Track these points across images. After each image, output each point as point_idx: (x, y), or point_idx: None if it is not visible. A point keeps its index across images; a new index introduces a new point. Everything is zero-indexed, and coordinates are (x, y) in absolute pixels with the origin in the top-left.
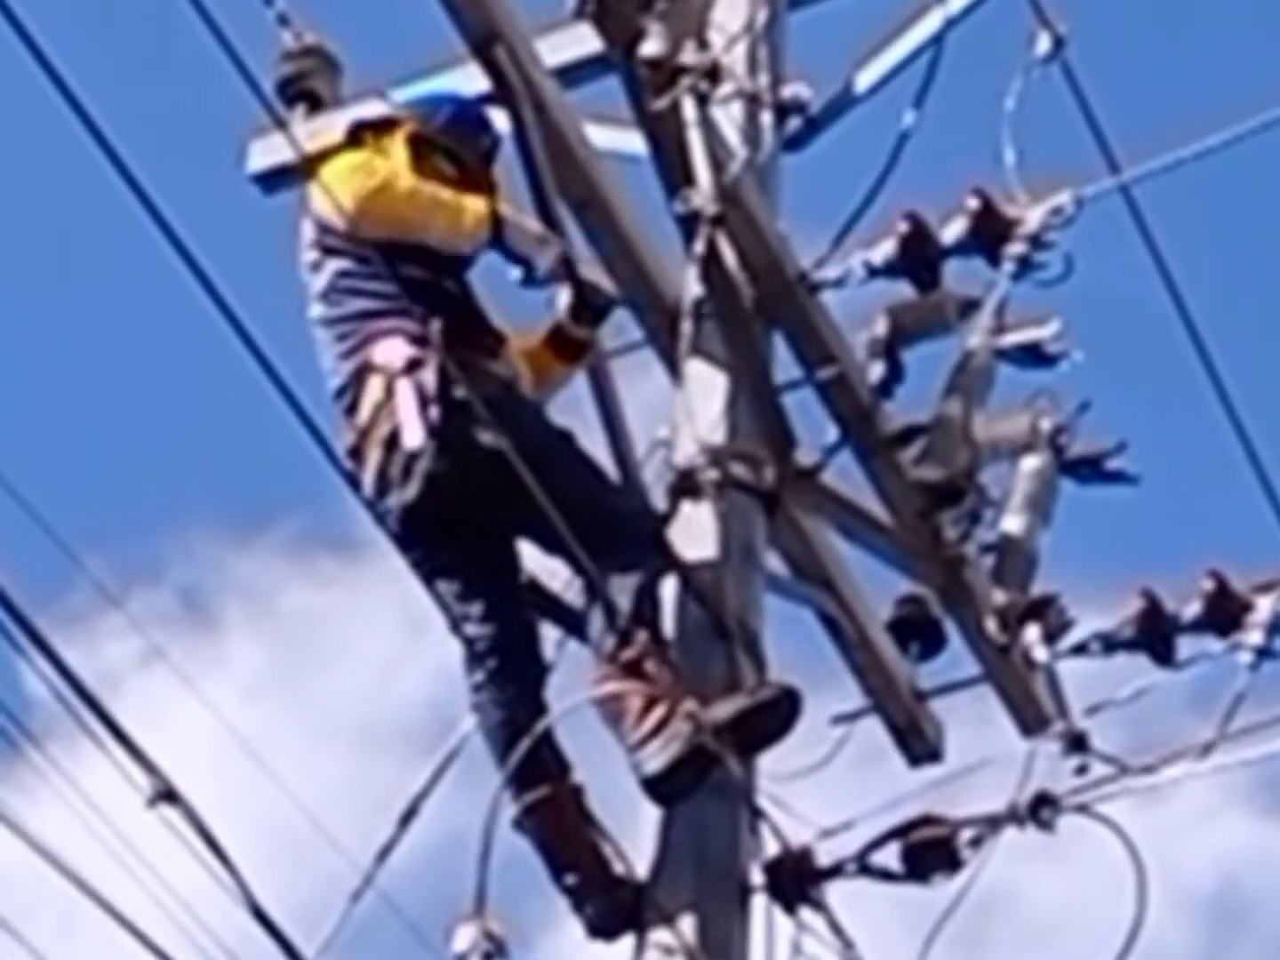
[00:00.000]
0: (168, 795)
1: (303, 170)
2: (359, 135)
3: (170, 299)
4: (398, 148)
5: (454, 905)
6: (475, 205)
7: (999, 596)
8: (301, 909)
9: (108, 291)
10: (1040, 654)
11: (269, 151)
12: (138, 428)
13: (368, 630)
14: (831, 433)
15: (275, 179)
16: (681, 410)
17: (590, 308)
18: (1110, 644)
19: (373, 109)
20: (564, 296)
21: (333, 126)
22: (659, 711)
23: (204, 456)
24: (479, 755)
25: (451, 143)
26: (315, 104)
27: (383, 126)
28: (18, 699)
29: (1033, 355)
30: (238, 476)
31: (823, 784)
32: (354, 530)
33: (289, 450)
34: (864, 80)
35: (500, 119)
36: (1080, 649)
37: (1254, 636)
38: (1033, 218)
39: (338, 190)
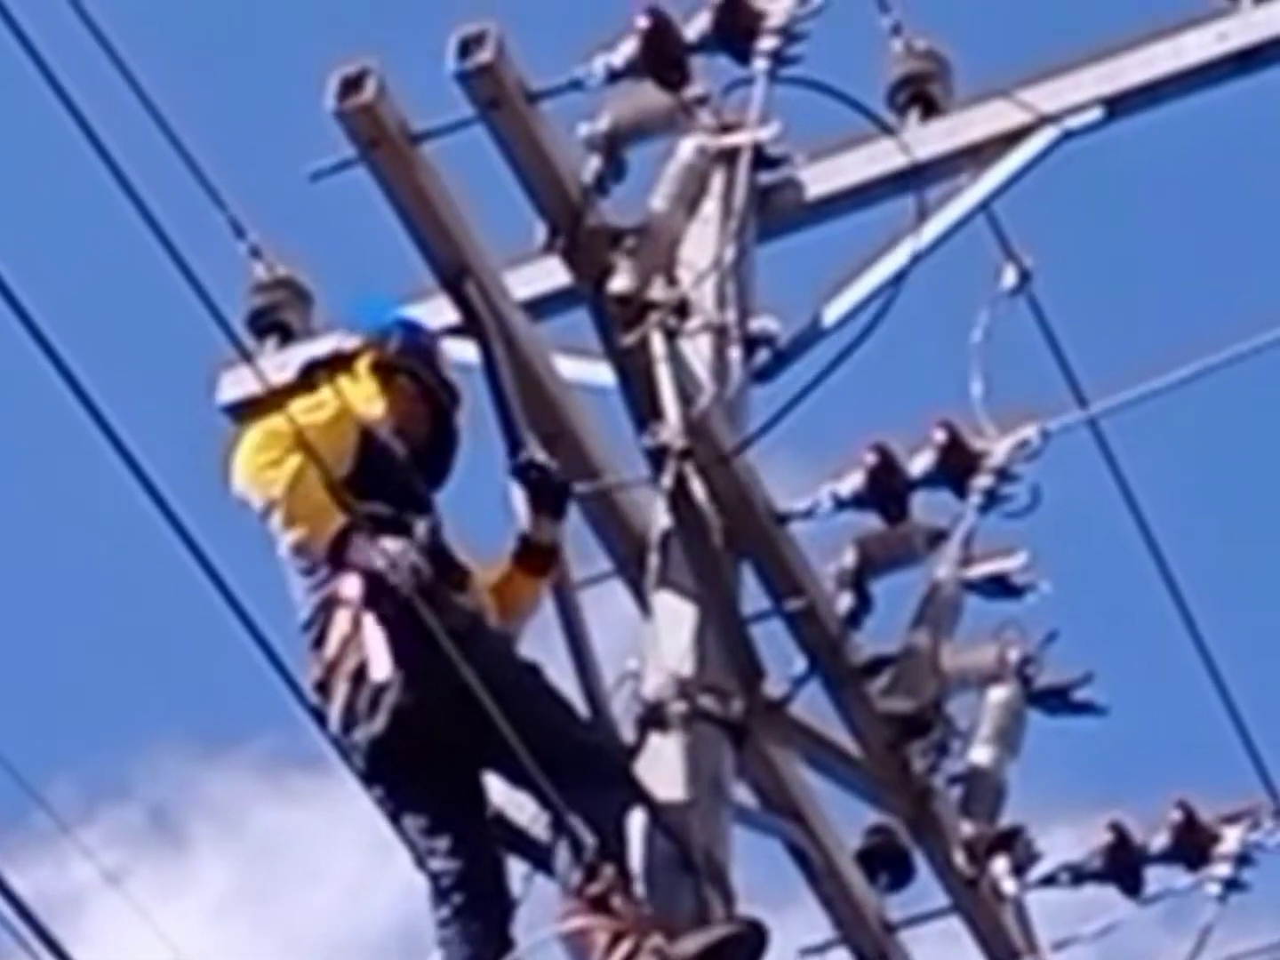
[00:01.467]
0: None
1: (272, 402)
2: (312, 376)
3: (139, 525)
4: (364, 378)
5: None
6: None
7: (967, 828)
8: None
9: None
10: (1009, 886)
11: (239, 382)
12: (109, 648)
13: (337, 850)
14: (800, 663)
15: (246, 409)
16: (650, 641)
17: (551, 495)
18: (1079, 875)
19: (324, 346)
20: (521, 505)
21: (300, 359)
22: (625, 947)
23: (173, 675)
24: None
25: (408, 363)
26: (287, 335)
27: (338, 362)
28: None
29: (1000, 586)
30: (207, 694)
31: None
32: (323, 747)
33: (259, 669)
34: (832, 313)
35: (469, 351)
36: (1049, 880)
37: (1221, 869)
38: (999, 450)
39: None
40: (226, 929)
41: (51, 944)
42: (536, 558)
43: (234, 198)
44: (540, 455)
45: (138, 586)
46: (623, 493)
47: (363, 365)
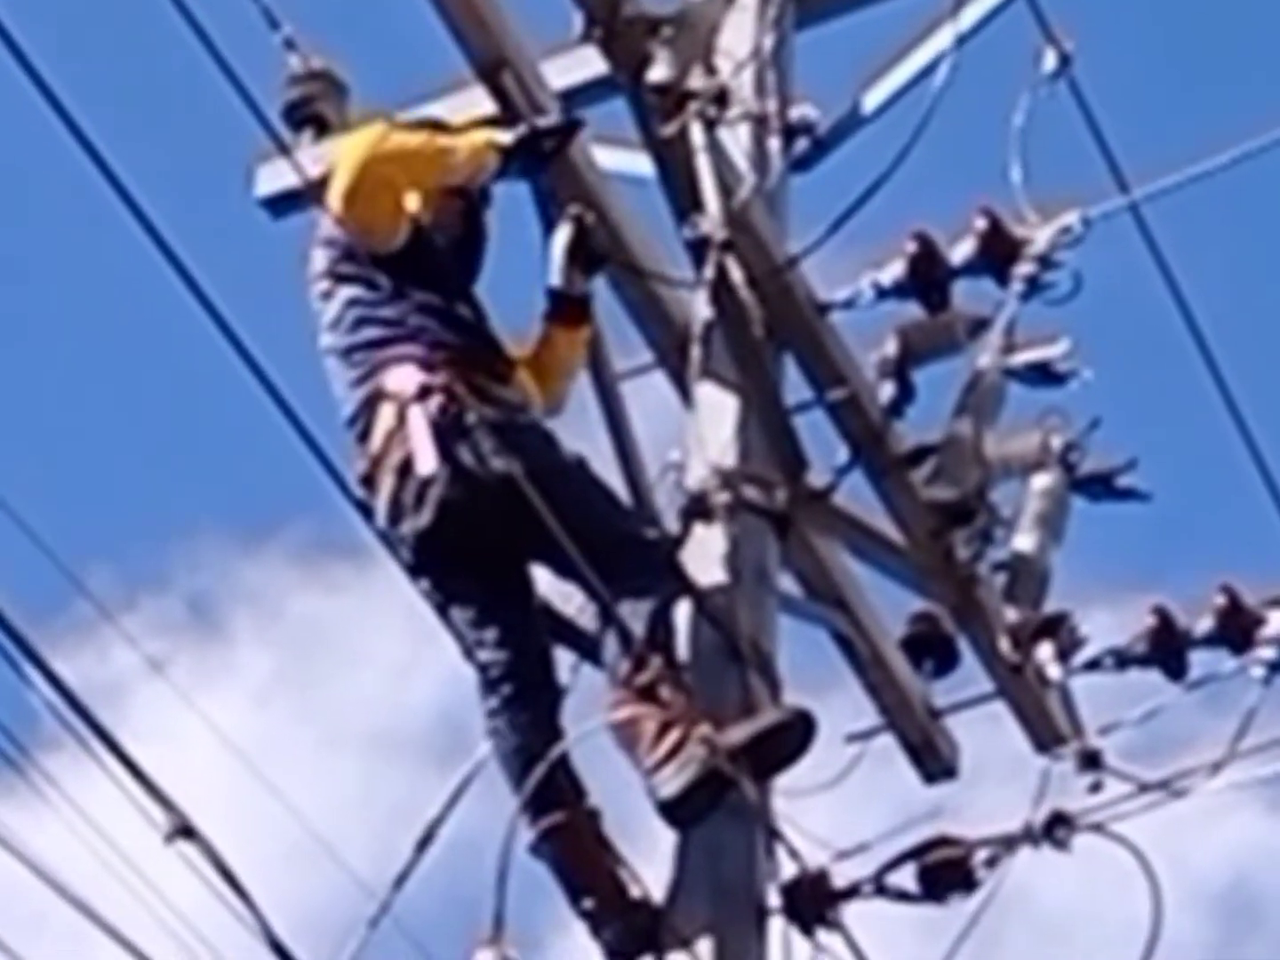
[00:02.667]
0: (185, 831)
1: (310, 194)
2: None
3: (177, 317)
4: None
5: (469, 923)
6: (470, 139)
7: (1011, 614)
8: (314, 919)
9: (115, 309)
10: (1053, 671)
11: (277, 176)
12: (144, 439)
13: (378, 637)
14: (843, 454)
15: (284, 203)
16: (692, 433)
17: (587, 250)
18: (1123, 660)
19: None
20: (558, 250)
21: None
22: (674, 736)
23: (210, 465)
24: (494, 773)
25: None
26: (323, 128)
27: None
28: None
29: (1042, 374)
30: (244, 484)
31: (837, 801)
32: (363, 536)
33: (295, 456)
34: (872, 100)
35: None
36: (1093, 665)
37: (1266, 652)
38: (1041, 237)
39: (350, 151)
40: (268, 716)
41: (99, 730)
42: (571, 309)
43: None
44: (579, 209)
45: (177, 378)
46: (663, 284)
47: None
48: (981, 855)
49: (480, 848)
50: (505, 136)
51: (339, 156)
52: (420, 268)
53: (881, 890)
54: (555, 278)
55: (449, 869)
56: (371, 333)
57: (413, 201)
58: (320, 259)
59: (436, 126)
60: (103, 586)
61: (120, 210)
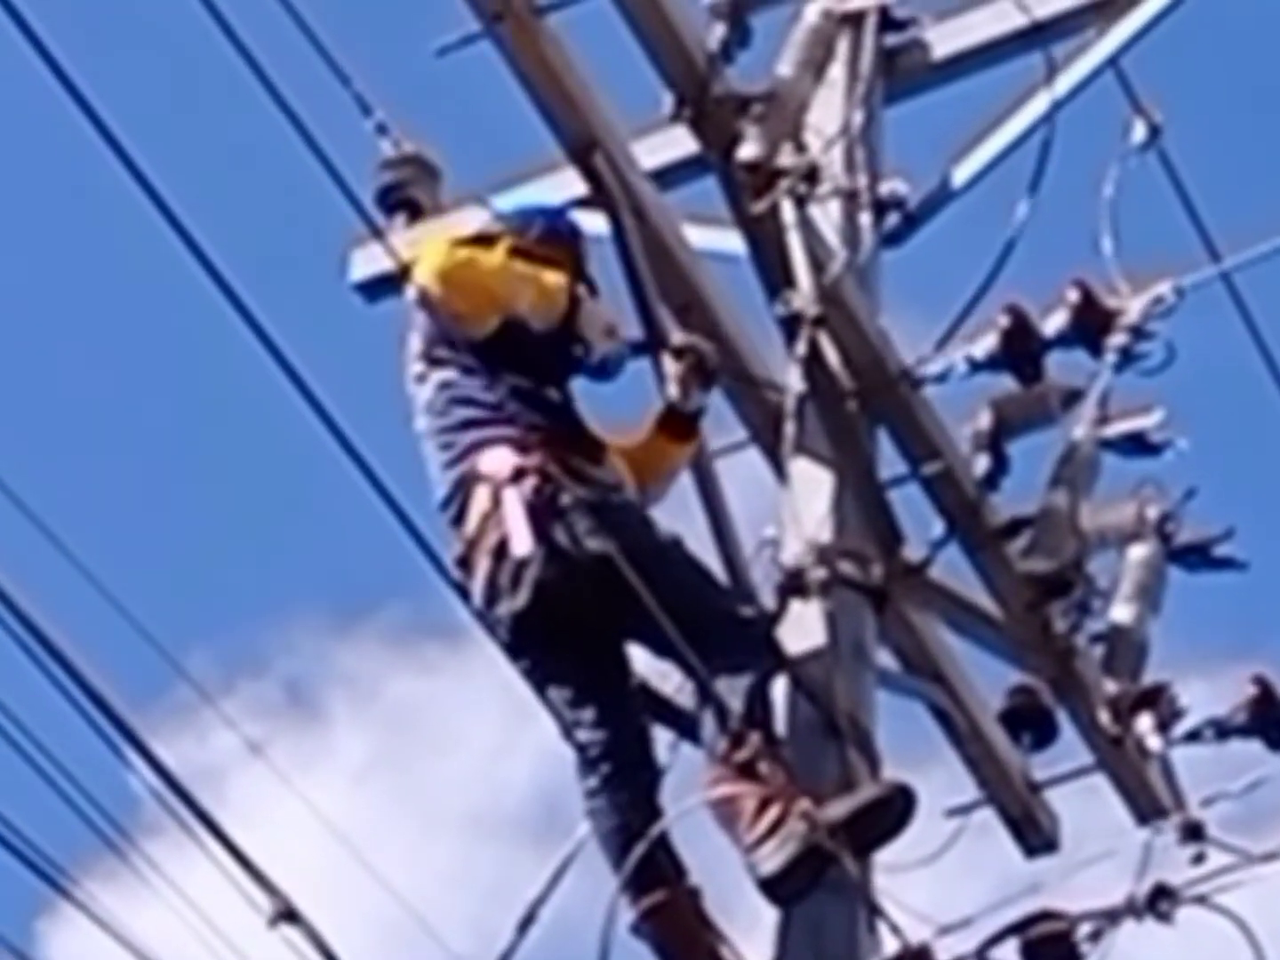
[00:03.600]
0: (288, 914)
1: (404, 279)
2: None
3: (276, 402)
4: (500, 254)
5: None
6: (555, 278)
7: (1110, 686)
8: None
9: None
10: (1154, 743)
11: (371, 260)
12: (241, 522)
13: (473, 717)
14: (938, 527)
15: (378, 287)
16: (788, 509)
17: (703, 370)
18: (1223, 730)
19: (469, 223)
20: (673, 367)
21: (433, 234)
22: (773, 812)
23: (306, 548)
24: (594, 853)
25: (548, 252)
26: (416, 212)
27: (479, 241)
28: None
29: (1137, 444)
30: (340, 566)
31: (938, 876)
32: (457, 617)
33: (389, 539)
34: (961, 174)
35: (599, 223)
36: (1193, 736)
37: None
38: (1133, 308)
39: (428, 258)
40: (366, 798)
41: (200, 814)
42: (682, 423)
43: (360, 74)
44: (691, 337)
45: (275, 462)
46: (758, 362)
47: (502, 248)
48: (1085, 929)
49: (581, 928)
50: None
51: (425, 250)
52: (511, 352)
53: None
54: (672, 395)
55: (550, 950)
56: (464, 414)
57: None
58: (415, 342)
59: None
60: (201, 670)
61: (219, 299)
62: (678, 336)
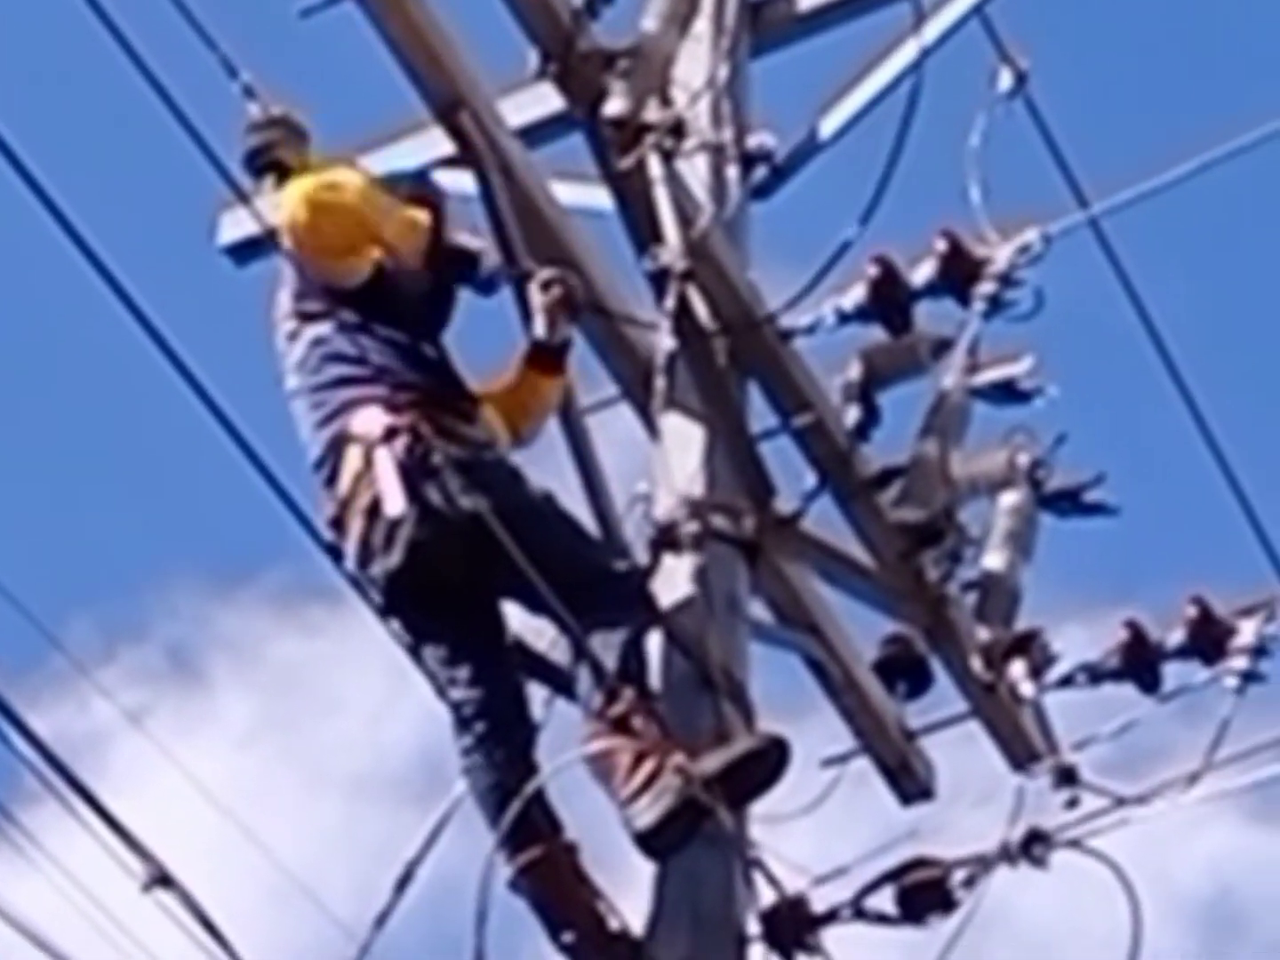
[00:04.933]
0: (162, 880)
1: (273, 240)
2: None
3: (144, 368)
4: (362, 180)
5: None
6: (419, 213)
7: (983, 633)
8: None
9: (83, 362)
10: (1026, 689)
11: (239, 223)
12: (115, 490)
13: (356, 679)
14: (810, 479)
15: (247, 250)
16: (659, 464)
17: (569, 301)
18: (1096, 675)
19: None
20: (539, 299)
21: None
22: (648, 766)
23: (183, 513)
24: (472, 812)
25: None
26: (284, 174)
27: None
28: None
29: (1007, 392)
30: (219, 530)
31: (815, 826)
32: (338, 579)
33: (269, 502)
34: (829, 126)
35: (466, 181)
36: (1066, 682)
37: (1239, 661)
38: (1001, 256)
39: (293, 190)
40: (249, 762)
41: (77, 785)
42: (550, 356)
43: (225, 37)
44: (557, 270)
45: (147, 428)
46: (630, 324)
47: (363, 178)
48: (959, 875)
49: (460, 886)
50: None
51: (288, 194)
52: (384, 305)
53: (860, 914)
54: (537, 330)
55: (430, 908)
56: (336, 372)
57: (377, 250)
58: (285, 299)
59: (399, 180)
60: (83, 637)
61: (83, 264)
62: (544, 270)
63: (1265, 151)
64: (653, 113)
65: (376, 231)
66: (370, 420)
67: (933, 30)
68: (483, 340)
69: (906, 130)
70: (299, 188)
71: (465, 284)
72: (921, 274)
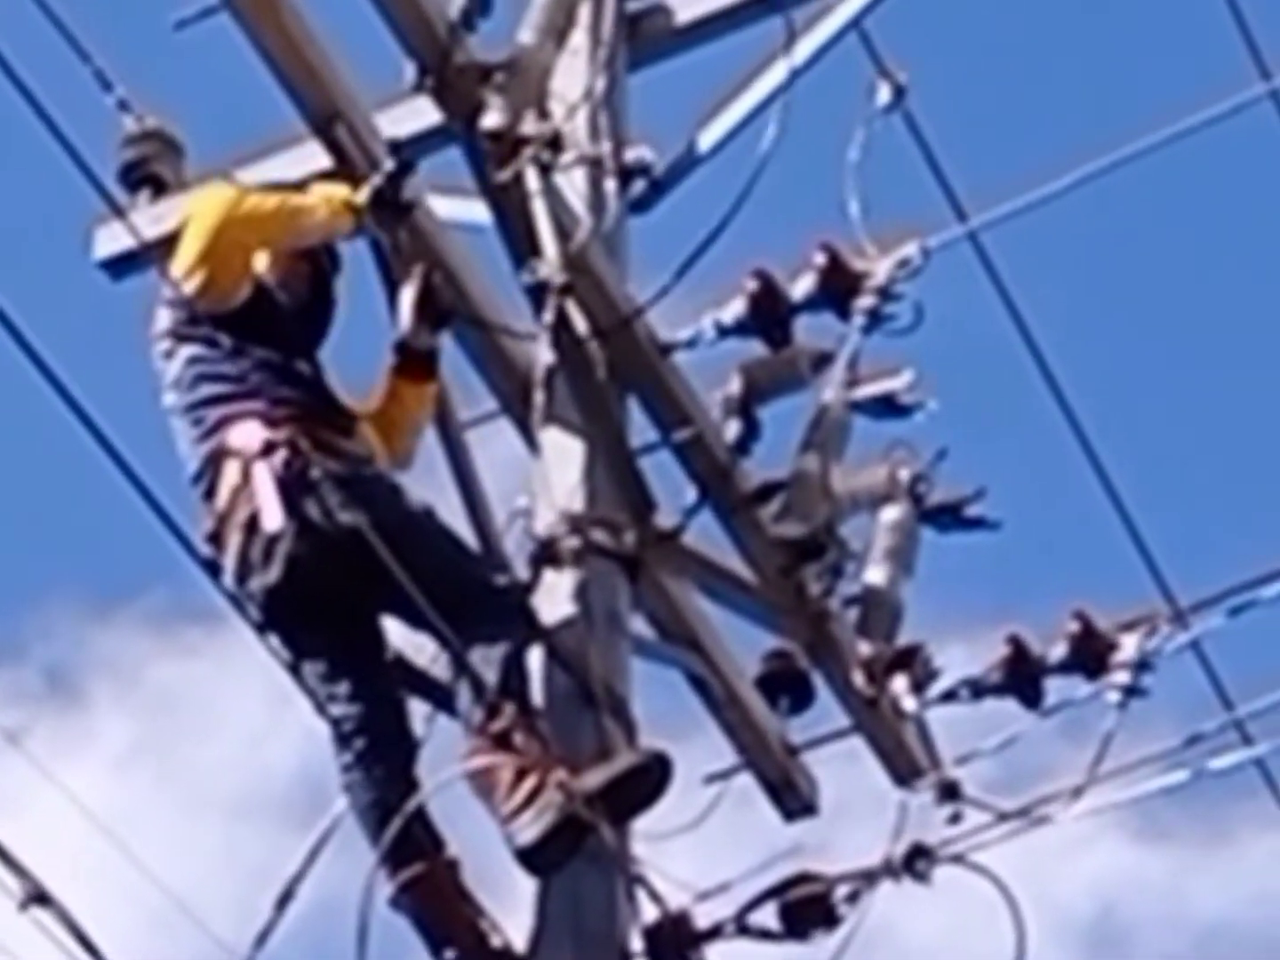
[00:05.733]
0: (39, 898)
1: (148, 255)
2: None
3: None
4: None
5: None
6: (324, 196)
7: (865, 648)
8: None
9: None
10: (909, 704)
11: (114, 238)
12: None
13: (235, 700)
14: (691, 494)
15: (122, 264)
16: (539, 479)
17: (434, 306)
18: (978, 690)
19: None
20: (405, 306)
21: (178, 210)
22: (530, 782)
23: (61, 533)
24: (353, 829)
25: None
26: (159, 188)
27: None
28: None
29: (887, 406)
30: (96, 550)
31: (699, 842)
32: (216, 599)
33: (144, 524)
34: (707, 139)
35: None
36: (949, 696)
37: (1120, 676)
38: (881, 270)
39: (203, 214)
40: (129, 783)
41: None
42: (418, 363)
43: (100, 50)
44: (422, 268)
45: (22, 446)
46: (507, 335)
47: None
48: (843, 891)
49: (342, 904)
50: (359, 195)
51: (189, 216)
52: (260, 325)
53: (744, 930)
54: (402, 332)
55: (311, 926)
56: (213, 390)
57: (260, 262)
58: (163, 318)
59: (284, 188)
60: None
61: None
62: (414, 268)
63: (1143, 165)
64: (530, 126)
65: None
66: (248, 435)
67: (809, 45)
68: (359, 364)
69: (766, 160)
70: (207, 219)
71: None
72: (801, 288)
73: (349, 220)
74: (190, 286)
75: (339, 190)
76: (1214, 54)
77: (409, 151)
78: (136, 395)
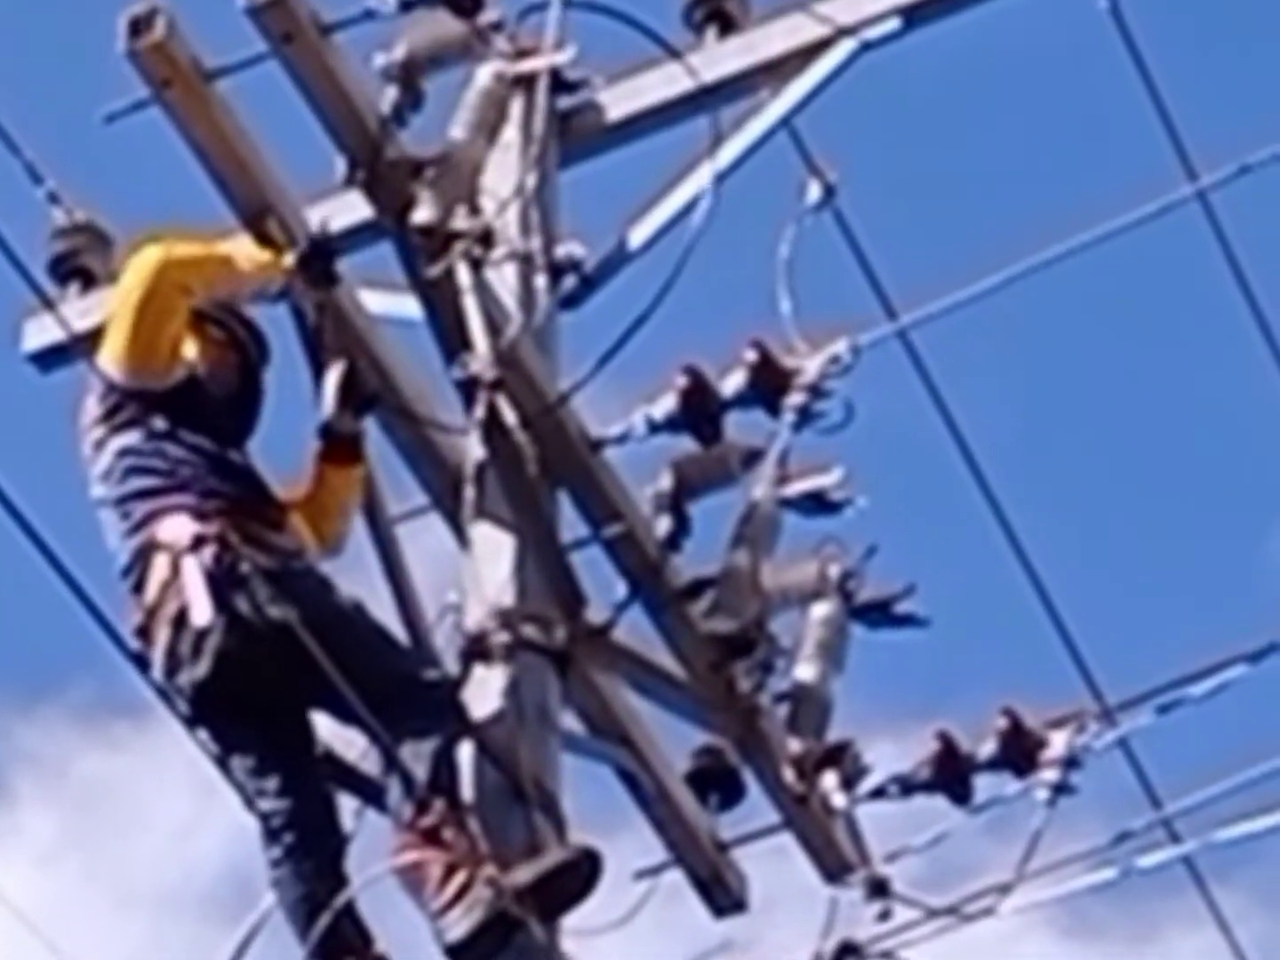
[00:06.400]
0: None
1: (78, 348)
2: None
3: None
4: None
5: None
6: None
7: (795, 744)
8: None
9: None
10: (838, 800)
11: (44, 330)
12: None
13: (162, 794)
14: (621, 589)
15: (52, 357)
16: (469, 574)
17: (358, 391)
18: (908, 787)
19: None
20: (329, 390)
21: (107, 302)
22: (459, 878)
23: None
24: (282, 925)
25: (218, 313)
26: (89, 281)
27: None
28: None
29: (818, 502)
30: (21, 643)
31: (628, 938)
32: (144, 692)
33: (73, 614)
34: (637, 236)
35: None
36: (878, 793)
37: (1049, 773)
38: (811, 367)
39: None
40: (55, 878)
41: None
42: (343, 447)
43: (30, 142)
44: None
45: None
46: (436, 429)
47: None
48: None
49: None
50: (288, 257)
51: (129, 270)
52: (194, 411)
53: None
54: (327, 416)
55: None
56: (143, 482)
57: (190, 349)
58: (93, 407)
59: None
60: None
61: None
62: (340, 355)
63: (1072, 264)
64: (461, 221)
65: (224, 271)
66: (178, 528)
67: (739, 143)
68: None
69: (688, 255)
70: (142, 264)
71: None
72: (731, 384)
73: (278, 275)
74: (123, 349)
75: (267, 251)
76: (1142, 154)
77: (341, 249)
78: (63, 487)
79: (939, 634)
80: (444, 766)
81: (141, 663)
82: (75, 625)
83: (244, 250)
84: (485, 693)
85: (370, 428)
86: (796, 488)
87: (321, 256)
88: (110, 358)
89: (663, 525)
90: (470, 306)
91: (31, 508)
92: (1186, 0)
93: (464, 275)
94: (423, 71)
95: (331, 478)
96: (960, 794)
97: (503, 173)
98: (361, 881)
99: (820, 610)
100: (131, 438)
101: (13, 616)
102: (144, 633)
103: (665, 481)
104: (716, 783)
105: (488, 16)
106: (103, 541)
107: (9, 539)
